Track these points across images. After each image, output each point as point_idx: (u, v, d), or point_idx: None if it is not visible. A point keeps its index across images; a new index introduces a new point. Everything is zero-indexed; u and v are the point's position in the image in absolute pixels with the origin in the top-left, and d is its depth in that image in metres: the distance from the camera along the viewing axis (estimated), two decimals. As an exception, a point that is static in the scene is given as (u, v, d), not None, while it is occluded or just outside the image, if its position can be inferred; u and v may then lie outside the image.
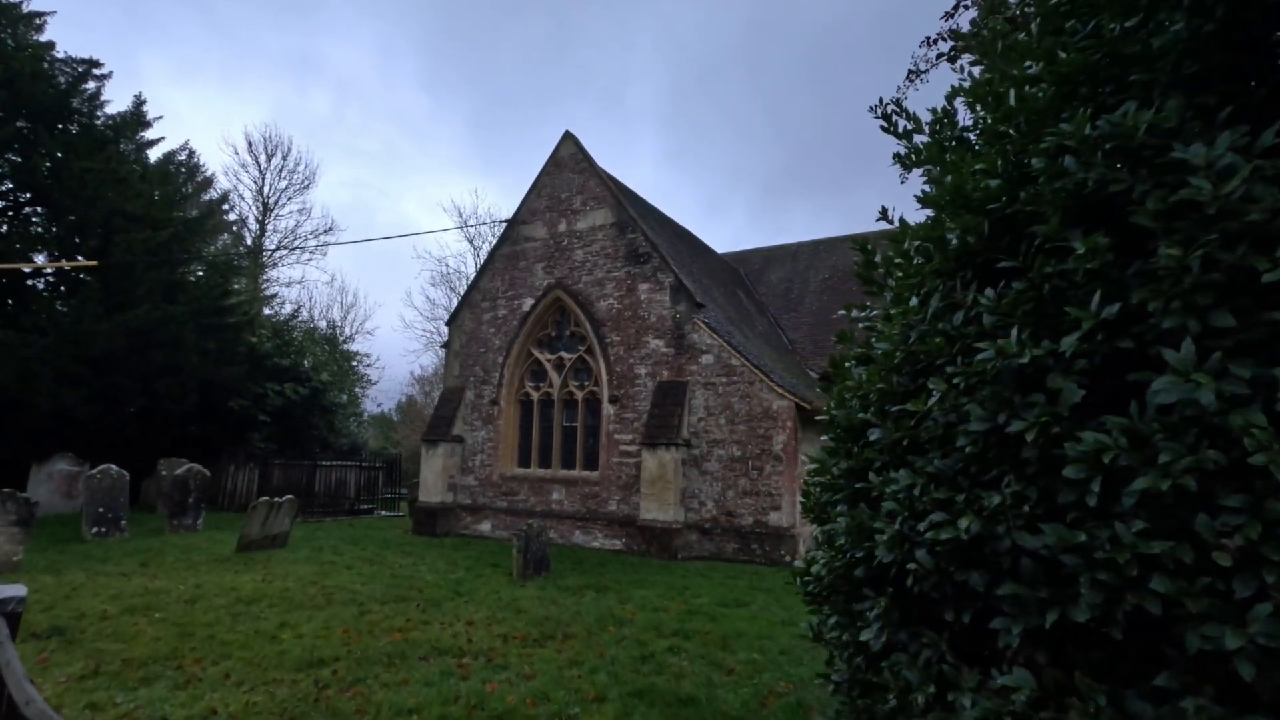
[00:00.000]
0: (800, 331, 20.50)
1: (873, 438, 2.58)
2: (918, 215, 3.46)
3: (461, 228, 36.15)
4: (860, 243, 3.23)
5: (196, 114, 50.63)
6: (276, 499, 11.70)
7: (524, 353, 15.55)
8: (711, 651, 5.92)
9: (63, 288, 17.14)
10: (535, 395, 15.26)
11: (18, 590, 3.45)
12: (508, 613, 7.37)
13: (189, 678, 5.18)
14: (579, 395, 14.68)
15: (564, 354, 15.07)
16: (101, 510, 12.22)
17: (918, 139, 4.09)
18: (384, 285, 59.06)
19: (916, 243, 2.76)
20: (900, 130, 4.06)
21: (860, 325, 3.12)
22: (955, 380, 2.18)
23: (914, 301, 2.53)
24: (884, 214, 3.92)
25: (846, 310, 3.30)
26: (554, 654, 5.87)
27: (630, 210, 14.75)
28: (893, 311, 2.54)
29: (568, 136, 15.77)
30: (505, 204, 58.25)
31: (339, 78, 67.81)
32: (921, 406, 2.24)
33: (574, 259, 15.02)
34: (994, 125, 2.47)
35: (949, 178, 2.64)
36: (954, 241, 2.51)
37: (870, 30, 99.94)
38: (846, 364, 3.23)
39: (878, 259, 3.17)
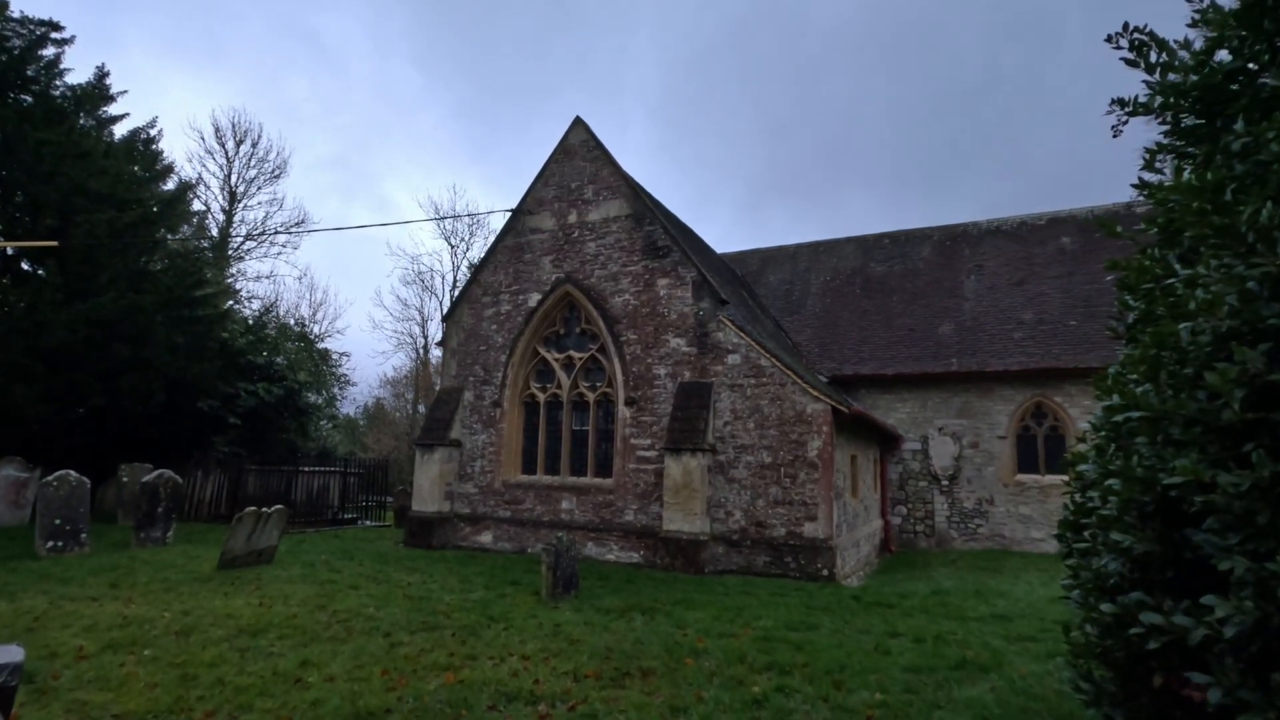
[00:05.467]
0: (804, 335, 19.93)
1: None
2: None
3: (439, 220, 34.78)
4: (1211, 181, 2.42)
5: (173, 87, 48.12)
6: (264, 509, 10.48)
7: (529, 351, 14.53)
8: (827, 691, 5.08)
9: (6, 277, 15.43)
10: (542, 397, 14.25)
11: (11, 655, 2.42)
12: (560, 643, 6.42)
13: (206, 740, 4.14)
14: (591, 397, 13.73)
15: (574, 353, 14.10)
16: (58, 522, 10.81)
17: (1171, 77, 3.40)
18: (353, 283, 57.00)
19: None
20: (1153, 61, 3.34)
21: (1216, 289, 2.31)
22: None
23: None
24: (1149, 160, 3.18)
25: (1145, 263, 2.49)
26: (643, 697, 4.96)
27: (646, 201, 13.92)
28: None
29: (578, 122, 14.85)
30: (486, 198, 56.77)
31: (326, 54, 65.58)
32: None
33: (585, 252, 14.08)
34: None
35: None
36: None
37: (861, 31, 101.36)
38: (1184, 339, 2.44)
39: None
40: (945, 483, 16.65)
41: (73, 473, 11.15)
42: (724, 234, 78.95)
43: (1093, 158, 66.60)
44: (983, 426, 16.52)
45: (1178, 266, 2.58)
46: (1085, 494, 3.34)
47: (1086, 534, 2.91)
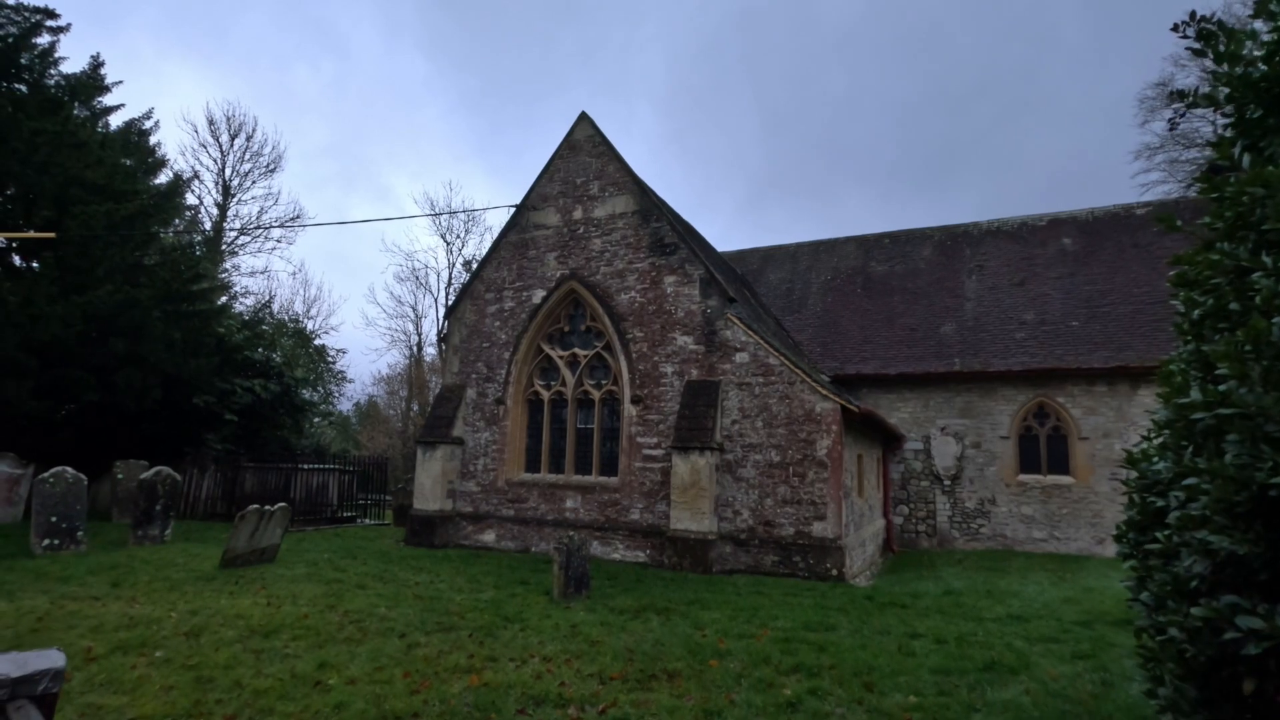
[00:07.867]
0: (805, 334, 19.89)
1: None
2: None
3: (434, 215, 34.52)
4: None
5: (174, 76, 47.56)
6: (267, 507, 10.30)
7: (533, 348, 14.39)
8: (860, 694, 5.00)
9: None
10: (546, 394, 14.12)
11: (52, 660, 2.28)
12: (580, 644, 6.31)
13: (229, 746, 4.00)
14: (596, 395, 13.61)
15: (579, 350, 13.98)
16: (54, 520, 10.59)
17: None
18: (347, 279, 56.54)
19: None
20: (1221, 51, 3.27)
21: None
22: None
23: None
24: (1222, 151, 3.12)
25: (1213, 258, 2.38)
26: (674, 700, 4.86)
27: (653, 198, 13.81)
28: None
29: (583, 118, 14.72)
30: (489, 191, 56.49)
31: (331, 43, 65.02)
32: None
33: (591, 248, 13.96)
34: None
35: None
36: None
37: (861, 29, 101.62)
38: (1275, 335, 2.36)
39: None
40: (947, 482, 16.65)
41: (69, 469, 10.92)
42: (724, 232, 79.18)
43: (1089, 159, 67.01)
44: (985, 426, 16.53)
45: (1267, 260, 2.50)
46: (1147, 495, 3.28)
47: (1160, 535, 2.83)
